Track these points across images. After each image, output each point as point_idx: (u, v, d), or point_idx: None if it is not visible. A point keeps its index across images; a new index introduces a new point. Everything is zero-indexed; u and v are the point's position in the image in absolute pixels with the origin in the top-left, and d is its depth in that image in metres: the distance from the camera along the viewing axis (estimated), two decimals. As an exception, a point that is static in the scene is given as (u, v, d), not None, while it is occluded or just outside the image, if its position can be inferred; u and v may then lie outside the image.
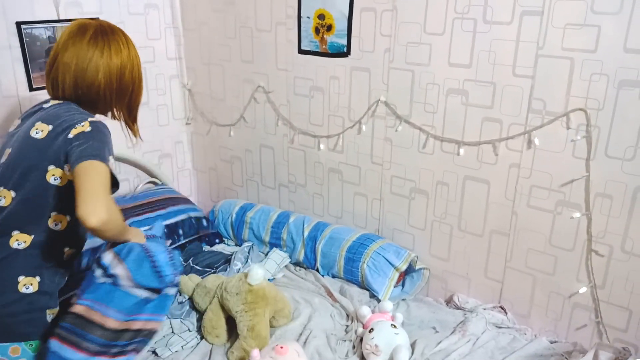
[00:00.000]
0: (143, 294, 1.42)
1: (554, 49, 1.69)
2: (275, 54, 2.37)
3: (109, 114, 1.62)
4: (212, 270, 2.21)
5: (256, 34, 2.41)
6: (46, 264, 1.42)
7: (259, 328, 1.77)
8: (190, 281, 2.02)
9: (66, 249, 1.47)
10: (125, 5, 2.45)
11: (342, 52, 2.16)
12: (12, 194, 1.40)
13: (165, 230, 2.38)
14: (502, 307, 2.03)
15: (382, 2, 2.00)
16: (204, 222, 2.56)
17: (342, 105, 2.24)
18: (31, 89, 2.19)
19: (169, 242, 2.40)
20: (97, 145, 1.36)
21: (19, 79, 2.15)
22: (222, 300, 1.87)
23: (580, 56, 1.65)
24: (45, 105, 1.52)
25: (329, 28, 2.16)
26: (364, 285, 2.14)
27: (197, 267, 2.25)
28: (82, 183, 1.28)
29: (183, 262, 2.30)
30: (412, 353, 1.76)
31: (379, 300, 2.05)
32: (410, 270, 2.17)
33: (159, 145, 2.78)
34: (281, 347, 1.61)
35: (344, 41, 2.14)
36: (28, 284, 1.38)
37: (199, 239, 2.50)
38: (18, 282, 1.38)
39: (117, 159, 2.51)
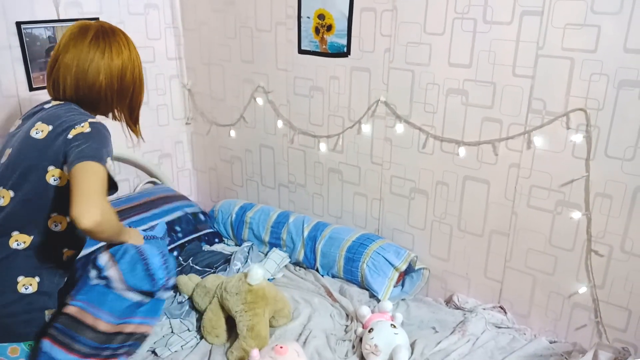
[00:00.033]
0: (136, 297, 1.43)
1: (554, 49, 1.69)
2: (275, 54, 2.37)
3: (110, 114, 1.62)
4: (212, 270, 2.21)
5: (256, 34, 2.41)
6: (45, 264, 1.42)
7: (259, 328, 1.77)
8: (190, 281, 2.02)
9: (65, 250, 1.47)
10: (125, 5, 2.45)
11: (342, 52, 2.16)
12: (11, 193, 1.40)
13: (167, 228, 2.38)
14: (501, 307, 2.03)
15: (382, 2, 2.00)
16: (202, 217, 2.56)
17: (342, 105, 2.24)
18: (31, 88, 2.19)
19: (168, 240, 2.40)
20: (96, 147, 1.36)
21: (18, 79, 2.15)
22: (221, 300, 1.87)
23: (580, 56, 1.65)
24: (46, 106, 1.52)
25: (329, 28, 2.16)
26: (363, 285, 2.14)
27: (197, 267, 2.25)
28: (78, 184, 1.28)
29: (183, 262, 2.30)
30: (412, 353, 1.76)
31: (378, 300, 2.05)
32: (409, 270, 2.17)
33: (158, 145, 2.78)
34: (281, 347, 1.61)
35: (344, 41, 2.14)
36: (27, 285, 1.39)
37: (199, 238, 2.50)
38: (17, 283, 1.38)
39: (117, 158, 2.51)
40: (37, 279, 1.40)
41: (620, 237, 1.72)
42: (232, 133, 2.67)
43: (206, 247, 2.49)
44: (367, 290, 2.13)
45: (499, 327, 1.94)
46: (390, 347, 1.72)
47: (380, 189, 2.24)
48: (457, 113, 1.94)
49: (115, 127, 1.58)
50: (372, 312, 1.93)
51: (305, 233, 2.32)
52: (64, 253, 1.47)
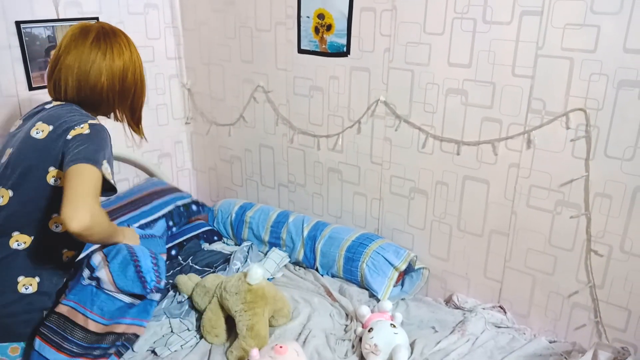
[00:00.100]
0: (126, 299, 1.43)
1: (553, 49, 1.69)
2: (274, 53, 2.37)
3: (112, 115, 1.62)
4: (212, 270, 2.21)
5: (256, 33, 2.41)
6: (46, 265, 1.43)
7: (258, 327, 1.77)
8: (189, 281, 2.02)
9: (65, 251, 1.48)
10: (125, 5, 2.45)
11: (342, 52, 2.16)
12: (10, 193, 1.40)
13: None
14: (501, 307, 2.03)
15: (381, 2, 2.00)
16: (194, 207, 2.54)
17: (341, 105, 2.24)
18: (31, 88, 2.19)
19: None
20: (93, 149, 1.35)
21: (18, 79, 2.15)
22: (221, 299, 1.87)
23: (579, 56, 1.65)
24: (47, 106, 1.52)
25: (329, 28, 2.16)
26: (363, 284, 2.15)
27: (196, 267, 2.25)
28: (70, 186, 1.28)
29: (182, 261, 2.30)
30: (412, 353, 1.76)
31: (378, 300, 2.05)
32: (409, 269, 2.17)
33: (158, 145, 2.78)
34: (280, 347, 1.61)
35: (344, 41, 2.14)
36: (27, 285, 1.39)
37: (197, 236, 2.50)
38: (18, 283, 1.38)
39: (117, 158, 2.51)
40: (37, 279, 1.40)
41: (619, 237, 1.72)
42: (232, 133, 2.67)
43: (205, 246, 2.49)
44: (367, 289, 2.13)
45: (499, 327, 1.94)
46: (390, 346, 1.72)
47: (379, 188, 2.25)
48: (457, 113, 1.94)
49: (115, 126, 1.58)
50: (372, 311, 1.93)
51: (305, 233, 2.32)
52: (64, 254, 1.47)
